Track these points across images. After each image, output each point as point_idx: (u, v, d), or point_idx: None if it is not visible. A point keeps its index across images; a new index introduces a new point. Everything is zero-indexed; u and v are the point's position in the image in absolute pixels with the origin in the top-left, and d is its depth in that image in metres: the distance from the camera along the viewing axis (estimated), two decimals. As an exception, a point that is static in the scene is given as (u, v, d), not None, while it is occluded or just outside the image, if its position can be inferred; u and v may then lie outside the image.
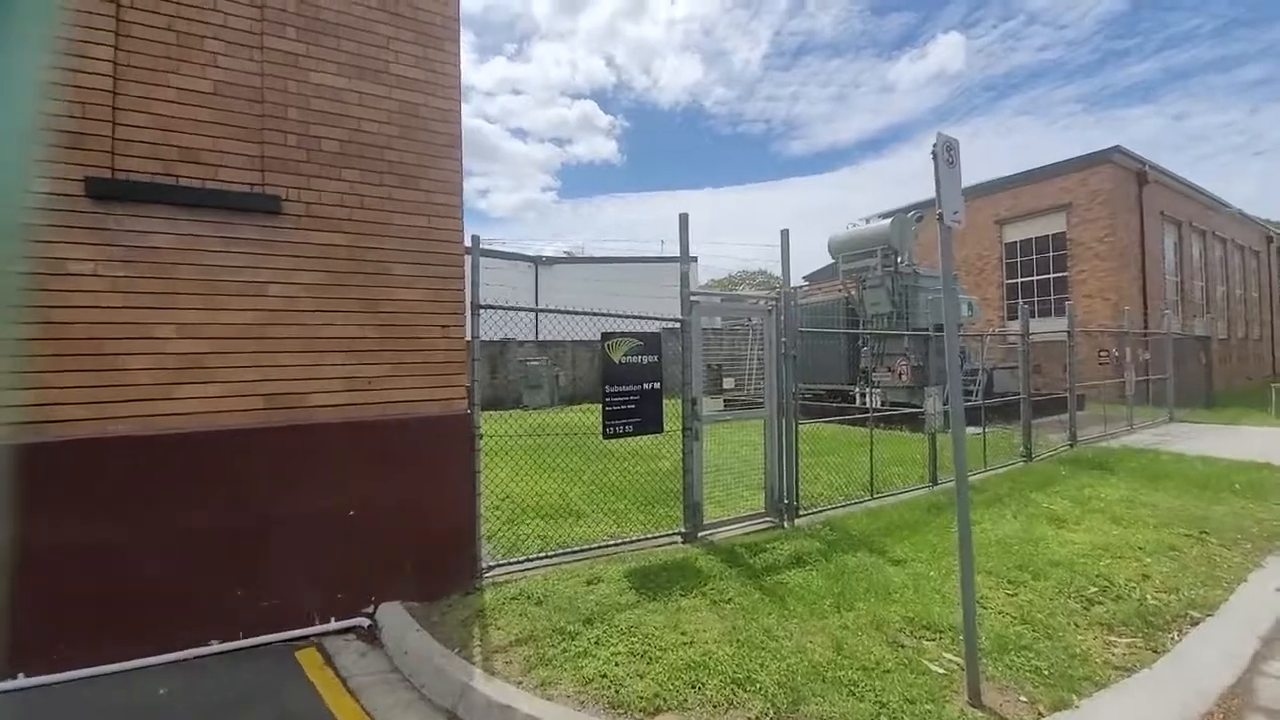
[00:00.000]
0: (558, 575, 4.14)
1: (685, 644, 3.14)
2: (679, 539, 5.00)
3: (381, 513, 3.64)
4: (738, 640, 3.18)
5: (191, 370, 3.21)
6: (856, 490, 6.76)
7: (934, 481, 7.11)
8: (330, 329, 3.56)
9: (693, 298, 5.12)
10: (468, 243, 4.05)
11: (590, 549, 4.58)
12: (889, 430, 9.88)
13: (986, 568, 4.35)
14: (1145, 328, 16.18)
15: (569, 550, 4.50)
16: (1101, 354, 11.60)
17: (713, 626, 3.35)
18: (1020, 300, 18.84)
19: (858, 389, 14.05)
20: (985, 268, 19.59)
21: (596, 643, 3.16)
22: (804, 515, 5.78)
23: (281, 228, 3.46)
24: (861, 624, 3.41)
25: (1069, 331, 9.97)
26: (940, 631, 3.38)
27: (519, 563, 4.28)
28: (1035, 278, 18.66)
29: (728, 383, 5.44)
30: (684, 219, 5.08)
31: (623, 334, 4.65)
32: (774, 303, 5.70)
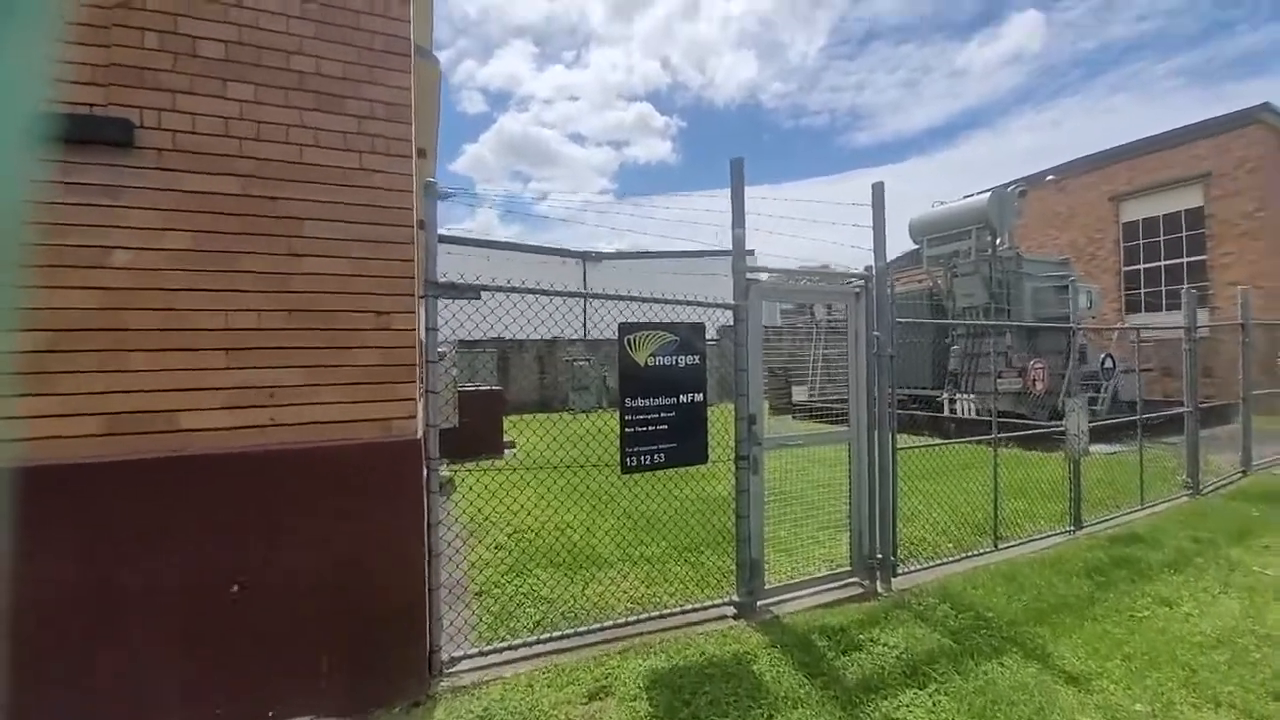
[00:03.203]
0: (550, 676, 2.84)
1: None
2: (730, 611, 3.60)
3: (285, 586, 2.47)
4: None
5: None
6: (966, 532, 5.10)
7: (1077, 524, 5.32)
8: (211, 316, 2.41)
9: (751, 275, 3.69)
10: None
11: (605, 628, 3.25)
12: (944, 443, 7.98)
13: (1217, 691, 2.72)
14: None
15: (575, 632, 3.19)
16: (1283, 354, 9.14)
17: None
18: (1142, 289, 16.06)
19: (945, 395, 12.04)
20: (1098, 253, 16.80)
21: None
22: (905, 573, 4.23)
23: (136, 167, 2.34)
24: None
25: (1243, 324, 7.74)
26: None
27: (500, 651, 3.01)
28: (1163, 262, 15.75)
29: (798, 394, 3.96)
30: (737, 165, 3.66)
31: (649, 326, 3.29)
32: (862, 284, 4.17)
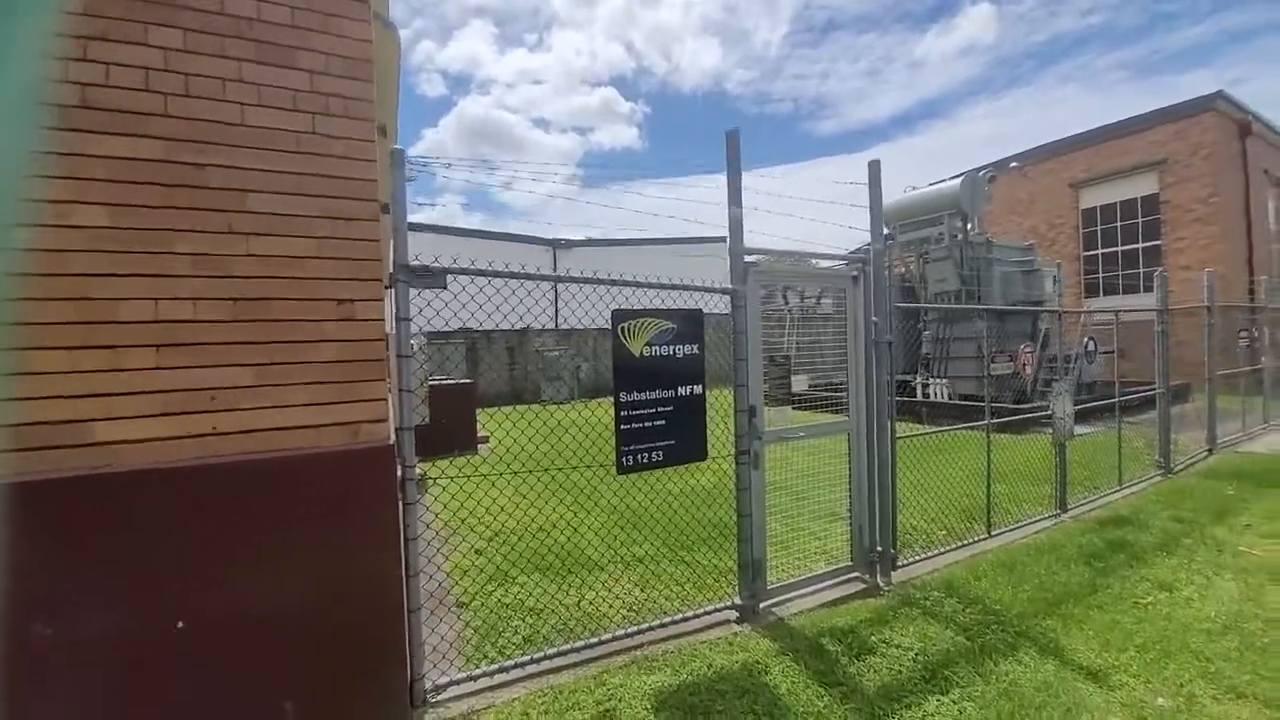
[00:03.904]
0: (547, 700, 2.57)
1: None
2: (733, 615, 3.39)
3: (239, 619, 2.12)
4: None
5: None
6: (955, 518, 5.04)
7: (1063, 507, 5.33)
8: (137, 307, 2.03)
9: (749, 258, 3.44)
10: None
11: (602, 641, 3.00)
12: (947, 429, 8.03)
13: (1234, 681, 2.65)
14: (1252, 302, 13.81)
15: (571, 648, 2.93)
16: (1241, 334, 9.48)
17: None
18: (1100, 274, 16.57)
19: (919, 380, 12.16)
20: (1058, 238, 17.24)
21: None
22: (903, 565, 4.11)
23: (34, 127, 1.92)
24: None
25: (1209, 307, 7.94)
26: None
27: (491, 674, 2.72)
28: (1120, 248, 16.26)
29: (798, 384, 3.76)
30: (733, 138, 3.40)
31: (645, 313, 3.02)
32: (860, 267, 3.98)
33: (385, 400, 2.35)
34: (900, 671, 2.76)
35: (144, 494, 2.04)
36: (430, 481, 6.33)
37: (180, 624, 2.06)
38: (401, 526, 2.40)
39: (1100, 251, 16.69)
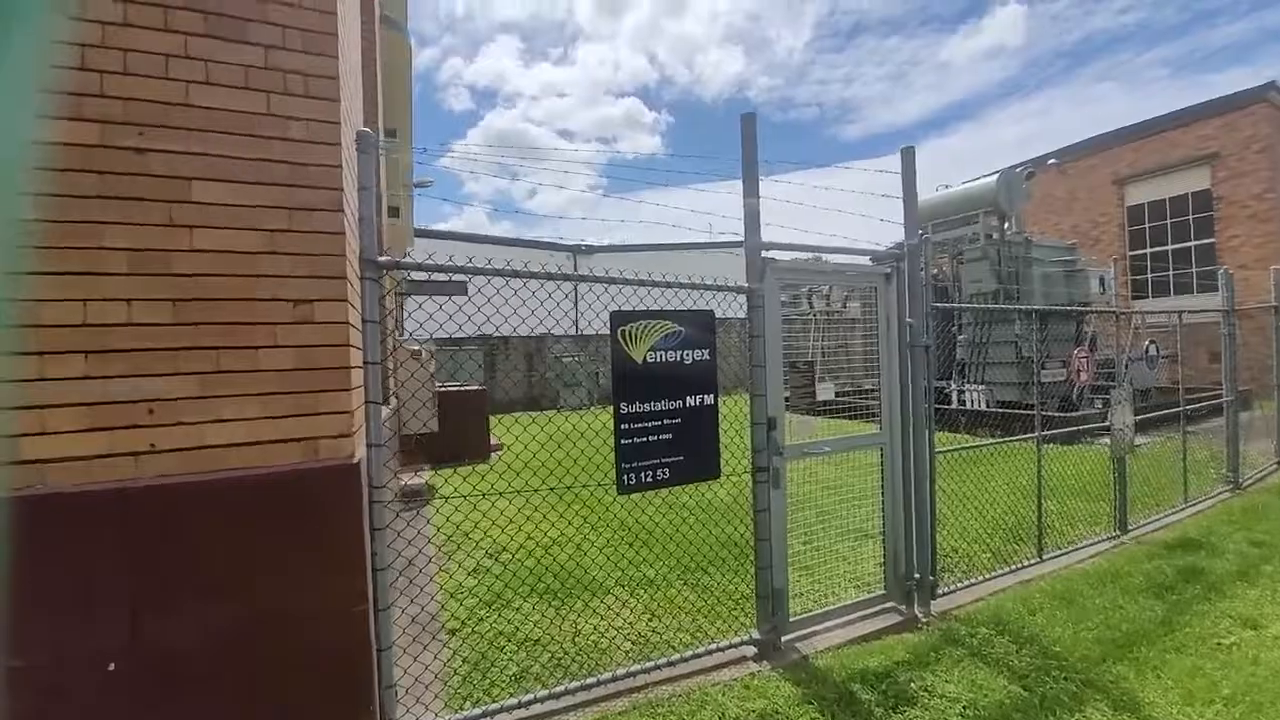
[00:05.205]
0: (533, 756, 2.26)
1: None
2: (750, 651, 3.03)
3: (179, 662, 1.87)
4: None
5: None
6: (1000, 539, 4.58)
7: (1123, 528, 4.80)
8: (63, 309, 1.80)
9: (768, 253, 3.10)
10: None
11: (601, 681, 2.67)
12: (997, 441, 7.45)
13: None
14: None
15: (565, 689, 2.60)
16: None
17: None
18: (1149, 274, 15.64)
19: (954, 387, 11.54)
20: (1102, 237, 16.35)
21: None
22: (944, 593, 3.68)
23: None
24: None
25: (1277, 306, 7.26)
26: None
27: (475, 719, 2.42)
28: (1170, 246, 15.32)
29: (824, 392, 3.40)
30: (748, 122, 3.07)
31: (648, 314, 2.70)
32: (894, 264, 3.60)
33: (351, 413, 2.08)
34: (946, 730, 2.36)
35: (74, 519, 1.80)
36: (432, 493, 6.11)
37: (112, 666, 1.81)
38: (369, 555, 2.12)
39: (1149, 250, 15.76)
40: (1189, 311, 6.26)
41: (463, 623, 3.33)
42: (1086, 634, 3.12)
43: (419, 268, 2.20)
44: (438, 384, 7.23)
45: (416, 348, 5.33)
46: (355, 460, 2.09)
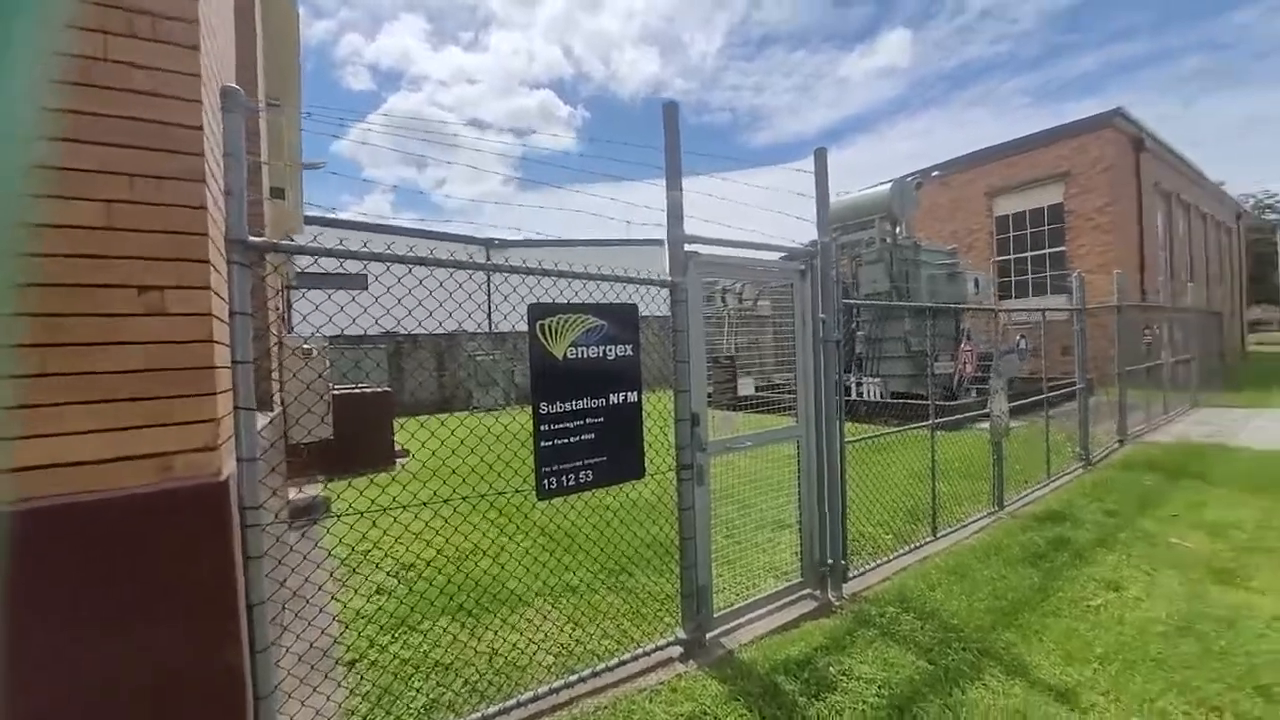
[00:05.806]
0: (447, 792, 2.05)
1: None
2: (677, 651, 2.98)
3: (-18, 741, 1.49)
4: None
5: None
6: (900, 520, 4.89)
7: (1000, 504, 5.30)
8: None
9: (690, 246, 3.06)
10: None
11: (521, 703, 2.50)
12: (900, 430, 8.07)
13: (1203, 692, 2.52)
14: (1144, 303, 15.05)
15: (484, 715, 2.41)
16: (1146, 331, 10.13)
17: None
18: (1014, 276, 17.58)
19: (853, 379, 12.33)
20: (976, 243, 18.20)
21: None
22: (854, 575, 3.85)
23: None
24: None
25: (1119, 306, 8.39)
26: None
27: (374, 758, 2.17)
28: (1030, 253, 17.34)
29: (745, 387, 3.42)
30: (670, 111, 3.01)
31: (570, 308, 2.56)
32: (807, 261, 3.70)
33: (216, 422, 1.76)
34: (866, 713, 2.43)
35: None
36: (328, 508, 5.57)
37: (-117, 756, 1.41)
38: (241, 590, 1.82)
39: (1013, 256, 17.73)
40: (1051, 310, 7.03)
41: (361, 654, 3.01)
42: (979, 604, 3.37)
43: (302, 251, 1.91)
44: (333, 386, 6.61)
45: (306, 345, 4.81)
46: (223, 478, 1.78)
